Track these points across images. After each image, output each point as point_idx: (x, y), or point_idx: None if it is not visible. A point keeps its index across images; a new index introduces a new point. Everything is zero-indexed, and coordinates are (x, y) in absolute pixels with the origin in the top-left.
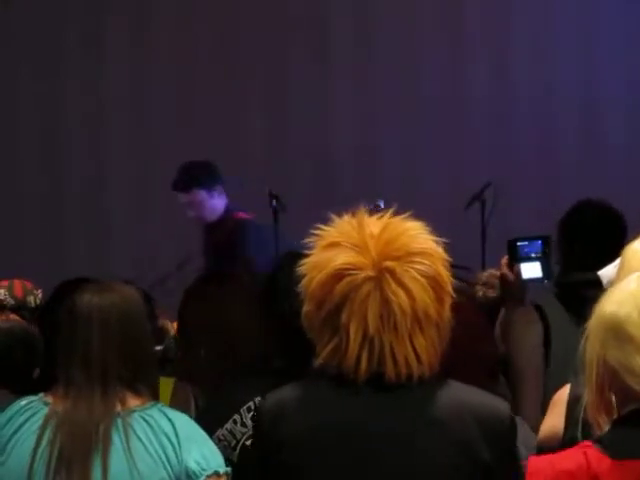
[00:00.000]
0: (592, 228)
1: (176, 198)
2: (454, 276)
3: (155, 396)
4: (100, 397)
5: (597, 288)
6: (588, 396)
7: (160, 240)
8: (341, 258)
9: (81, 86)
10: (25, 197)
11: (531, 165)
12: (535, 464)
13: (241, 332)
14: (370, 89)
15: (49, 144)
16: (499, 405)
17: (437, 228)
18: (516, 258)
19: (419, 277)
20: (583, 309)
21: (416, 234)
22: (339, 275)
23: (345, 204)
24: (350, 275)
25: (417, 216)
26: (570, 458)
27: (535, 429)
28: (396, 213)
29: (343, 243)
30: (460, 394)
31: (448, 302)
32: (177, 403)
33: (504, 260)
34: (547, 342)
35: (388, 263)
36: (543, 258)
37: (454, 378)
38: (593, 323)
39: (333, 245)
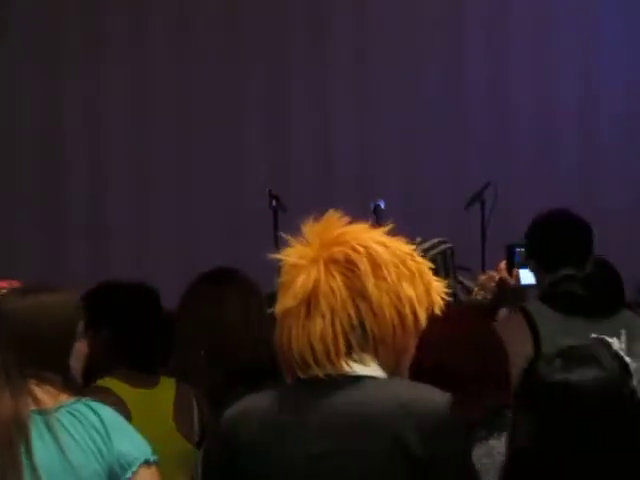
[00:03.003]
0: (560, 232)
1: (176, 198)
2: (456, 279)
3: (78, 392)
4: (9, 396)
5: (574, 281)
6: None
7: (160, 240)
8: (290, 251)
9: (81, 86)
10: (25, 197)
11: (531, 165)
12: None
13: (240, 332)
14: (370, 89)
15: (49, 144)
16: (436, 398)
17: (437, 228)
18: (514, 263)
19: (335, 264)
20: (568, 303)
21: (346, 229)
22: (285, 265)
23: (345, 204)
24: (290, 265)
25: (417, 216)
26: None
27: None
28: (396, 213)
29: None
30: (396, 389)
31: (375, 294)
32: (181, 405)
33: (502, 265)
34: (537, 349)
35: (321, 252)
36: None
37: (463, 388)
38: None
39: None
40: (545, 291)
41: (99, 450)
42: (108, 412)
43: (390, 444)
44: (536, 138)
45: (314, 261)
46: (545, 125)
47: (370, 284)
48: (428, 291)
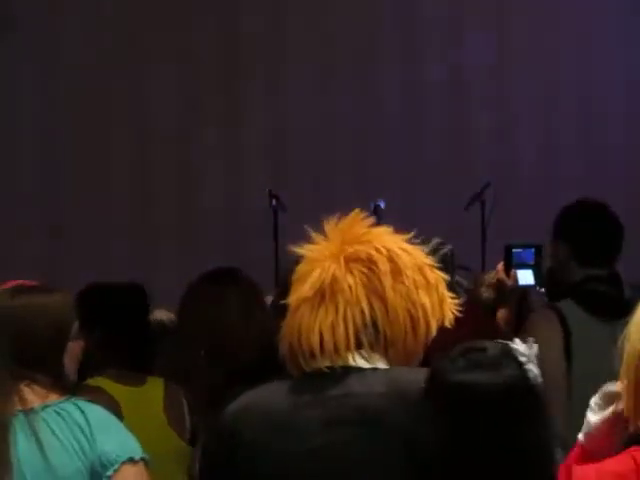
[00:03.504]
0: (594, 224)
1: (176, 198)
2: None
3: (69, 391)
4: (4, 395)
5: (607, 283)
6: (624, 397)
7: (160, 240)
8: (311, 246)
9: (81, 86)
10: (25, 197)
11: (531, 165)
12: (579, 471)
13: (240, 332)
14: (370, 89)
15: (49, 144)
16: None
17: (437, 228)
18: (512, 264)
19: (355, 262)
20: (601, 305)
21: (371, 230)
22: (305, 258)
23: (345, 204)
24: (310, 259)
25: (417, 216)
26: (618, 461)
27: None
28: (396, 213)
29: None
30: (394, 375)
31: (388, 287)
32: (171, 403)
33: (500, 266)
34: (568, 349)
35: (342, 248)
36: (535, 266)
37: None
38: (635, 321)
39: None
40: (574, 290)
41: (82, 449)
42: (95, 410)
43: (389, 432)
44: (536, 138)
45: (334, 256)
46: (545, 125)
47: (388, 284)
48: (441, 303)
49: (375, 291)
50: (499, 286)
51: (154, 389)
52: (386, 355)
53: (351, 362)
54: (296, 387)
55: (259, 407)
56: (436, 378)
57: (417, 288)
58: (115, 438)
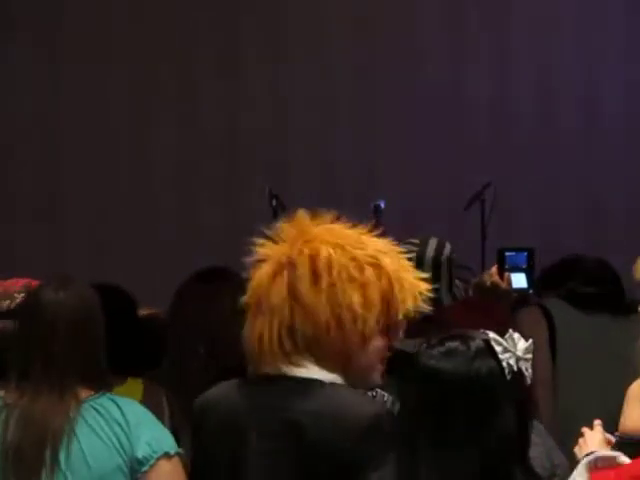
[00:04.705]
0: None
1: (176, 198)
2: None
3: (105, 388)
4: (58, 393)
5: (596, 285)
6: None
7: (160, 240)
8: (260, 249)
9: (81, 86)
10: (24, 196)
11: (531, 165)
12: (599, 474)
13: (232, 331)
14: (370, 89)
15: (48, 144)
16: (365, 407)
17: (437, 228)
18: (504, 268)
19: (289, 265)
20: (588, 303)
21: (316, 232)
22: (257, 264)
23: (345, 204)
24: (255, 262)
25: (417, 216)
26: (636, 465)
27: (551, 428)
28: (396, 213)
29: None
30: (331, 397)
31: (337, 292)
32: (149, 404)
33: (494, 269)
34: (552, 339)
35: (291, 250)
36: (528, 269)
37: None
38: None
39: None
40: (563, 292)
41: (121, 444)
42: (132, 406)
43: (317, 450)
44: (536, 138)
45: (275, 261)
46: (545, 125)
47: (304, 286)
48: (390, 294)
49: (295, 296)
50: (494, 289)
51: (132, 390)
52: (312, 353)
53: (285, 370)
54: (245, 390)
55: (214, 406)
56: (413, 359)
57: (343, 284)
58: (151, 433)
